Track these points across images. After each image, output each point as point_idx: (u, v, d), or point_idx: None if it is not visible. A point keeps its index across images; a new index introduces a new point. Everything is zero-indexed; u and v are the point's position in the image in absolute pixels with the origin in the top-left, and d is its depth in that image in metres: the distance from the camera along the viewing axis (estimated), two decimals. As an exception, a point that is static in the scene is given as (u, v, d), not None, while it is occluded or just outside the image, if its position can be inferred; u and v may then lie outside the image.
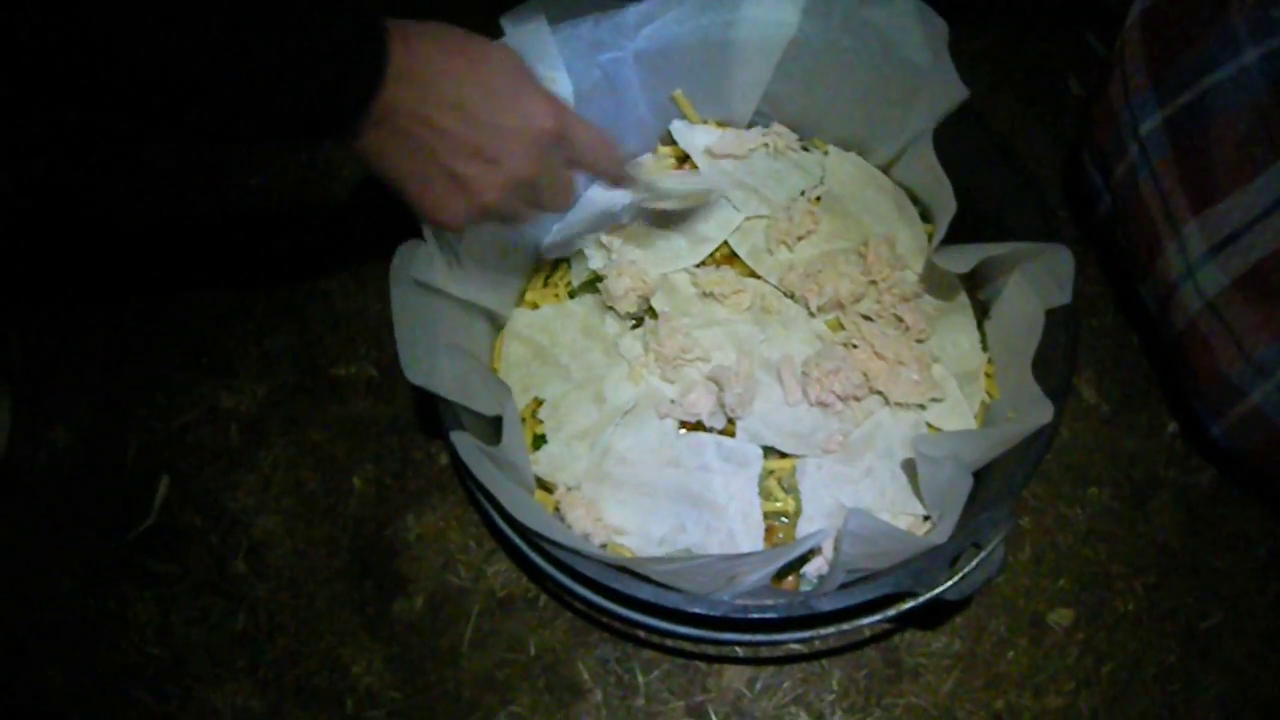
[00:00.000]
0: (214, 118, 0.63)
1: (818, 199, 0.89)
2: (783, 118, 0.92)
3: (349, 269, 0.99)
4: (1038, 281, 0.77)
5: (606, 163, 0.75)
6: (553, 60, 0.82)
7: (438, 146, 0.67)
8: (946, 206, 0.80)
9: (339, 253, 1.00)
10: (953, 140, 0.82)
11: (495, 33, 0.78)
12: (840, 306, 0.83)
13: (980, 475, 0.73)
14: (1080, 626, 0.83)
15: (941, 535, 0.69)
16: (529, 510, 0.69)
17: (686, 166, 0.91)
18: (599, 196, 0.90)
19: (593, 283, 0.86)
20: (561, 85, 0.82)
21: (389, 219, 0.74)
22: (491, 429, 0.76)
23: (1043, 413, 0.70)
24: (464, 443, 0.71)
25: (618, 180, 0.78)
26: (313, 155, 1.05)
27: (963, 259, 0.79)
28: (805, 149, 0.92)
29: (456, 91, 0.67)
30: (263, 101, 0.63)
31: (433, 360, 0.72)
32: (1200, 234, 0.80)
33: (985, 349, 0.84)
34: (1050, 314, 0.76)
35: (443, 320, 0.76)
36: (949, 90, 0.79)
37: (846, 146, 0.92)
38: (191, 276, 0.99)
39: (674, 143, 0.91)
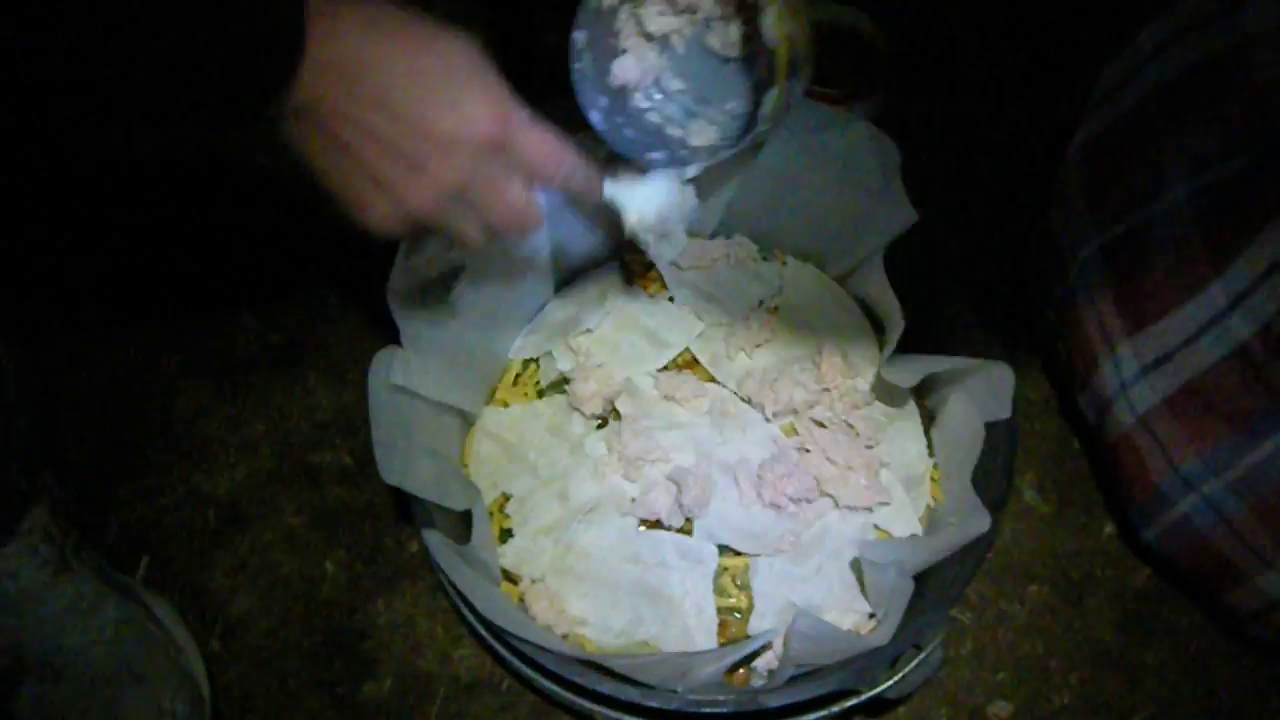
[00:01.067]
0: (110, 99, 0.57)
1: (775, 309, 0.93)
2: (745, 230, 0.96)
3: (327, 359, 1.02)
4: (979, 396, 0.80)
5: (558, 175, 0.70)
6: None
7: (360, 146, 0.62)
8: (896, 322, 0.83)
9: (317, 343, 1.03)
10: (903, 257, 0.85)
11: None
12: (794, 412, 0.86)
13: (922, 577, 0.76)
14: (1018, 719, 0.86)
15: (883, 636, 0.71)
16: (496, 606, 0.72)
17: (650, 274, 0.95)
18: (558, 312, 0.93)
19: (560, 384, 0.89)
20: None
21: (367, 314, 0.76)
22: (461, 522, 0.78)
23: (980, 523, 0.74)
24: (435, 541, 0.73)
25: (575, 194, 0.74)
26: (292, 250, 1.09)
27: (909, 373, 0.82)
28: (765, 259, 0.96)
29: (385, 86, 0.61)
30: (161, 84, 0.57)
31: (407, 461, 0.74)
32: (1133, 354, 0.84)
33: (931, 454, 0.87)
34: (991, 426, 0.79)
35: (417, 421, 0.78)
36: (899, 214, 0.83)
37: (805, 258, 0.95)
38: (173, 365, 1.02)
39: (640, 252, 0.93)
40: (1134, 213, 0.83)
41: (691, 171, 0.79)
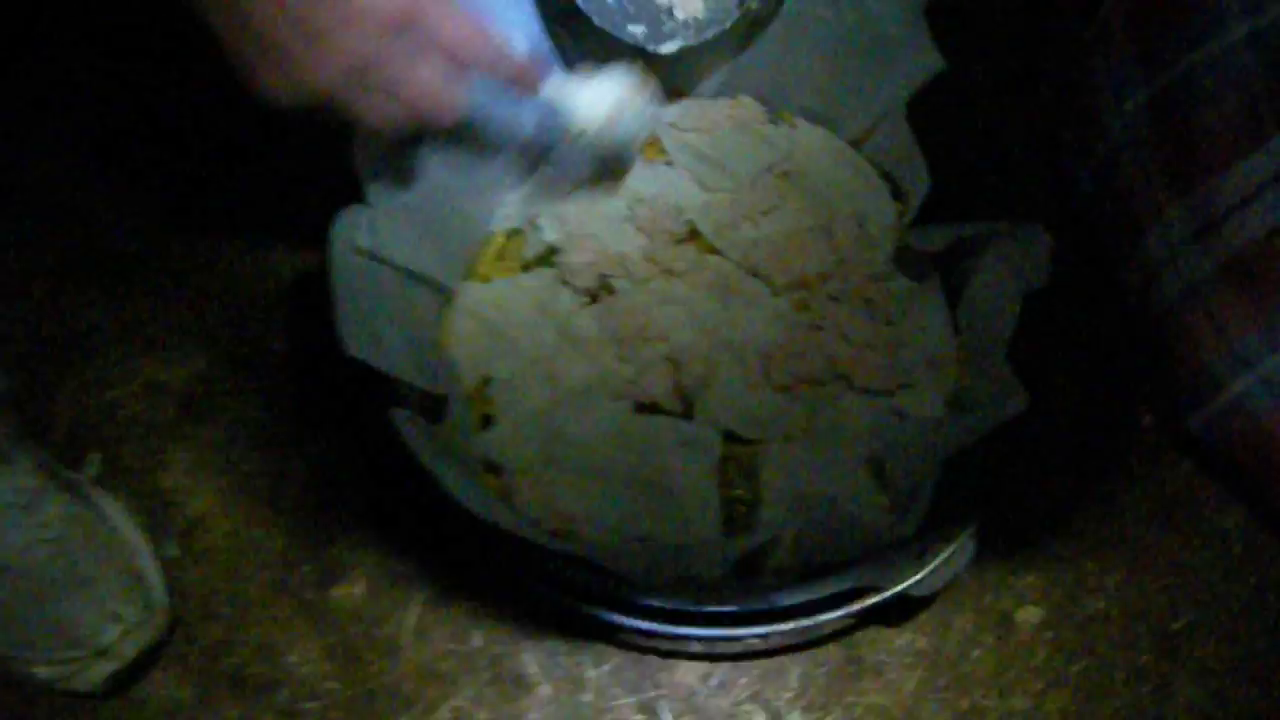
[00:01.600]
0: None
1: (784, 174, 0.86)
2: (750, 90, 0.89)
3: (290, 239, 0.96)
4: (1012, 263, 0.75)
5: (478, 55, 0.66)
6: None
7: (255, 7, 0.58)
8: (919, 184, 0.78)
9: (286, 219, 0.96)
10: (926, 114, 0.80)
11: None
12: (806, 286, 0.81)
13: (949, 465, 0.70)
14: (1049, 625, 0.82)
15: (908, 528, 0.66)
16: (474, 496, 0.66)
17: (648, 138, 0.88)
18: (545, 177, 0.86)
19: (547, 256, 0.84)
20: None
21: (340, 187, 0.71)
22: (437, 406, 0.73)
23: (1016, 401, 0.68)
24: (404, 420, 0.67)
25: (507, 79, 0.69)
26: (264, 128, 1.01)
27: (935, 237, 0.77)
28: (773, 122, 0.89)
29: None
30: None
31: (375, 333, 0.68)
32: (1186, 216, 0.78)
33: (957, 331, 0.82)
34: (1024, 298, 0.73)
35: (386, 291, 0.72)
36: (924, 61, 0.78)
37: (816, 120, 0.89)
38: (127, 245, 0.95)
39: None
40: (1188, 55, 0.77)
41: (669, 47, 0.75)
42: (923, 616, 0.81)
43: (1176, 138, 0.78)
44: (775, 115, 0.90)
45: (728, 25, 0.74)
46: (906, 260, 0.82)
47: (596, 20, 0.74)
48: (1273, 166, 0.72)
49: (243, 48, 0.60)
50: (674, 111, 0.87)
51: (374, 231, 0.71)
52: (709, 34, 0.74)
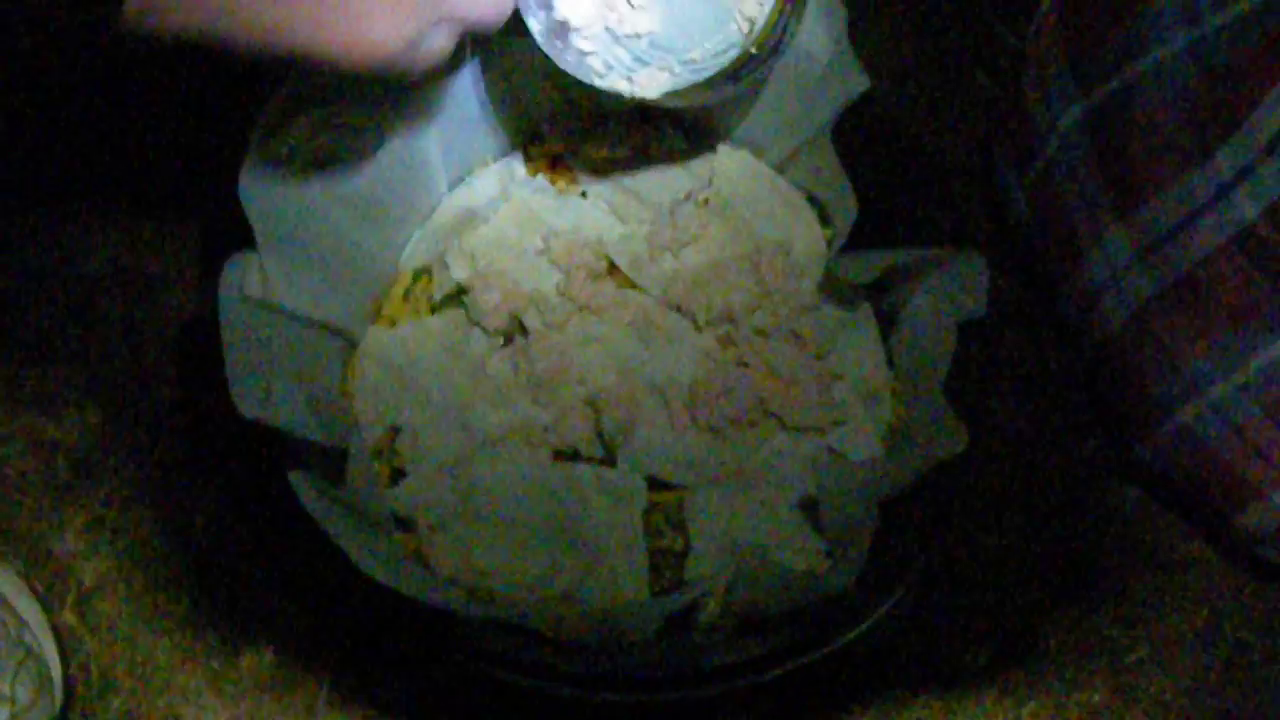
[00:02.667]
0: None
1: (705, 202, 0.84)
2: (667, 113, 0.87)
3: (186, 283, 0.93)
4: (947, 291, 0.72)
5: None
6: None
7: None
8: (847, 209, 0.75)
9: (176, 263, 0.93)
10: (853, 137, 0.77)
11: None
12: (731, 320, 0.78)
13: (887, 508, 0.68)
14: (998, 666, 0.80)
15: (844, 577, 0.63)
16: (380, 559, 0.63)
17: (559, 168, 0.86)
18: (451, 211, 0.84)
19: (457, 296, 0.81)
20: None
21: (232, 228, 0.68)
22: (341, 461, 0.70)
23: (956, 439, 0.66)
24: (303, 484, 0.64)
25: None
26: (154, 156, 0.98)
27: (865, 266, 0.74)
28: (692, 147, 0.87)
29: None
30: None
31: (270, 387, 0.65)
32: (1125, 237, 0.76)
33: (892, 364, 0.79)
34: (961, 327, 0.71)
35: (282, 342, 0.69)
36: (849, 81, 0.75)
37: (738, 144, 0.86)
38: (9, 288, 0.92)
39: (543, 142, 0.85)
40: (1124, 69, 0.75)
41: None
42: (869, 661, 0.79)
43: (1115, 155, 0.77)
44: (694, 140, 0.87)
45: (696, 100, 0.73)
46: (836, 290, 0.80)
47: (557, 63, 0.73)
48: (1217, 182, 0.71)
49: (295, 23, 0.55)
50: (588, 138, 0.85)
51: (266, 278, 0.68)
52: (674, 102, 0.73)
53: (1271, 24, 0.67)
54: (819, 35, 0.76)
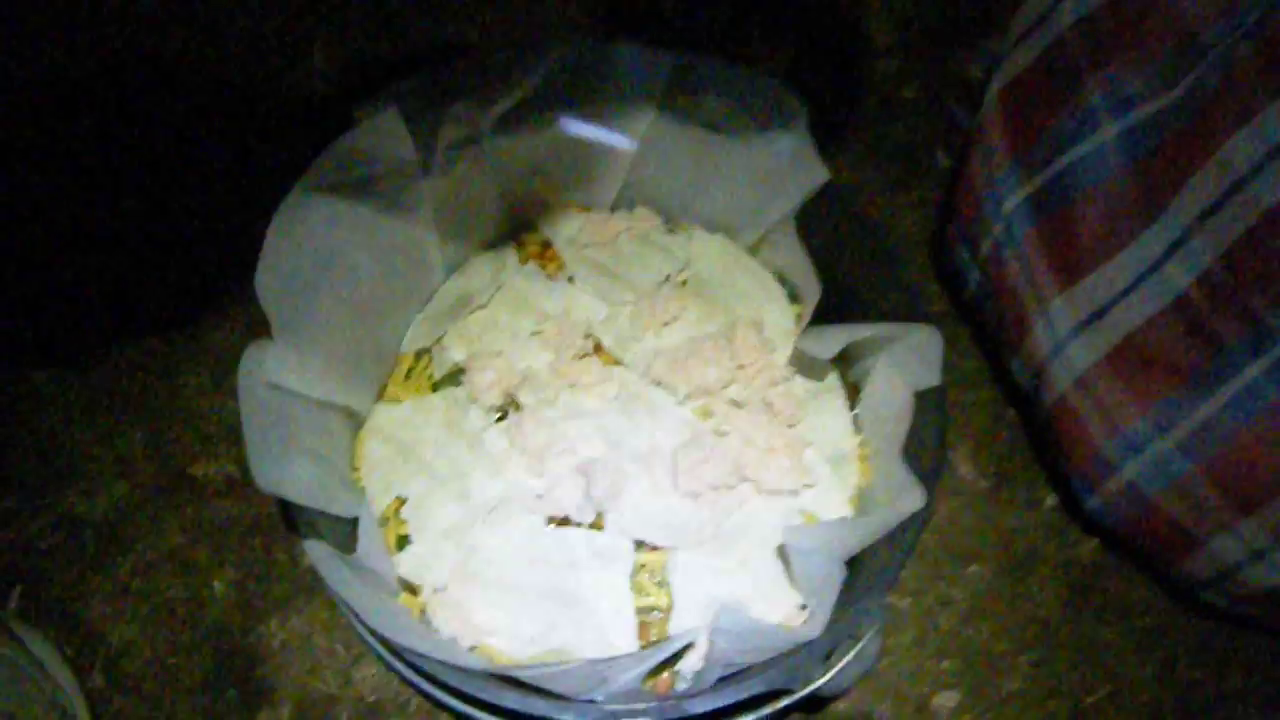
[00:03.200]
0: None
1: (683, 283, 0.88)
2: (647, 201, 0.92)
3: (208, 362, 0.97)
4: (906, 363, 0.76)
5: None
6: (408, 150, 0.79)
7: None
8: (812, 290, 0.79)
9: (193, 346, 0.98)
10: (817, 220, 0.82)
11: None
12: (708, 393, 0.82)
13: (854, 563, 0.72)
14: (966, 708, 0.83)
15: (814, 629, 0.67)
16: (390, 620, 0.67)
17: (548, 255, 0.90)
18: (449, 296, 0.88)
19: (455, 375, 0.85)
20: (417, 176, 0.80)
21: (251, 312, 0.72)
22: (352, 530, 0.73)
23: (915, 500, 0.70)
24: (319, 552, 0.68)
25: None
26: (173, 252, 1.03)
27: (829, 343, 0.78)
28: (671, 232, 0.92)
29: None
30: None
31: (285, 465, 0.69)
32: (1067, 310, 0.81)
33: (858, 431, 0.83)
34: (921, 395, 0.75)
35: (296, 422, 0.73)
36: (810, 172, 0.79)
37: (713, 229, 0.91)
38: (40, 375, 0.96)
39: (533, 230, 0.89)
40: (1060, 157, 0.81)
41: None
42: (841, 706, 0.82)
43: (1055, 236, 0.82)
44: (672, 225, 0.92)
45: None
46: (805, 363, 0.84)
47: None
48: (1149, 257, 0.76)
49: None
50: (574, 226, 0.89)
51: (282, 365, 0.72)
52: None
53: (1193, 113, 0.72)
54: (782, 131, 0.81)
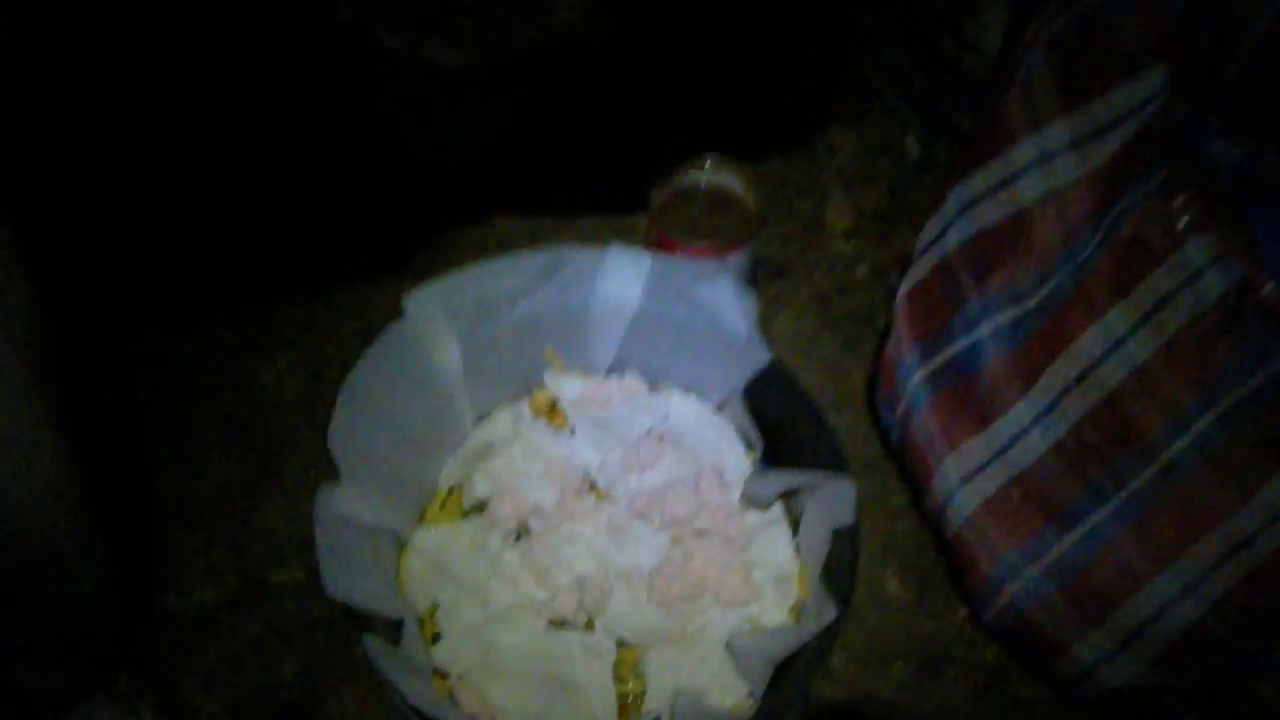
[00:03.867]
0: None
1: (661, 436, 1.04)
2: (635, 367, 1.08)
3: (280, 491, 1.16)
4: (826, 505, 0.92)
5: None
6: (445, 332, 0.98)
7: None
8: (757, 447, 0.98)
9: (271, 478, 1.16)
10: (770, 388, 1.00)
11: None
12: (678, 524, 0.98)
13: (787, 659, 0.88)
14: None
15: (749, 713, 0.85)
16: (426, 700, 0.83)
17: (555, 411, 1.07)
18: (477, 443, 1.05)
19: (480, 506, 1.01)
20: (452, 352, 0.99)
21: (312, 447, 0.91)
22: (396, 628, 0.90)
23: (830, 613, 0.86)
24: (373, 644, 0.85)
25: None
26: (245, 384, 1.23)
27: (769, 486, 0.96)
28: (654, 392, 1.08)
29: None
30: None
31: (349, 578, 0.85)
32: (956, 465, 0.98)
33: (798, 555, 0.99)
34: (838, 531, 0.91)
35: (357, 543, 0.90)
36: (758, 356, 0.97)
37: (687, 391, 1.08)
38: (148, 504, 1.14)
39: (543, 390, 1.07)
40: (949, 348, 0.99)
41: None
42: None
43: (947, 407, 0.99)
44: (655, 387, 1.08)
45: None
46: (756, 500, 1.00)
47: None
48: (1018, 428, 0.93)
49: None
50: (576, 388, 1.06)
51: (346, 500, 0.89)
52: None
53: (1051, 315, 0.90)
54: (738, 320, 0.99)
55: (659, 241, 1.14)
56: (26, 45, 1.11)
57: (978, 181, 0.96)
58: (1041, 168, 0.90)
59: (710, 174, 1.15)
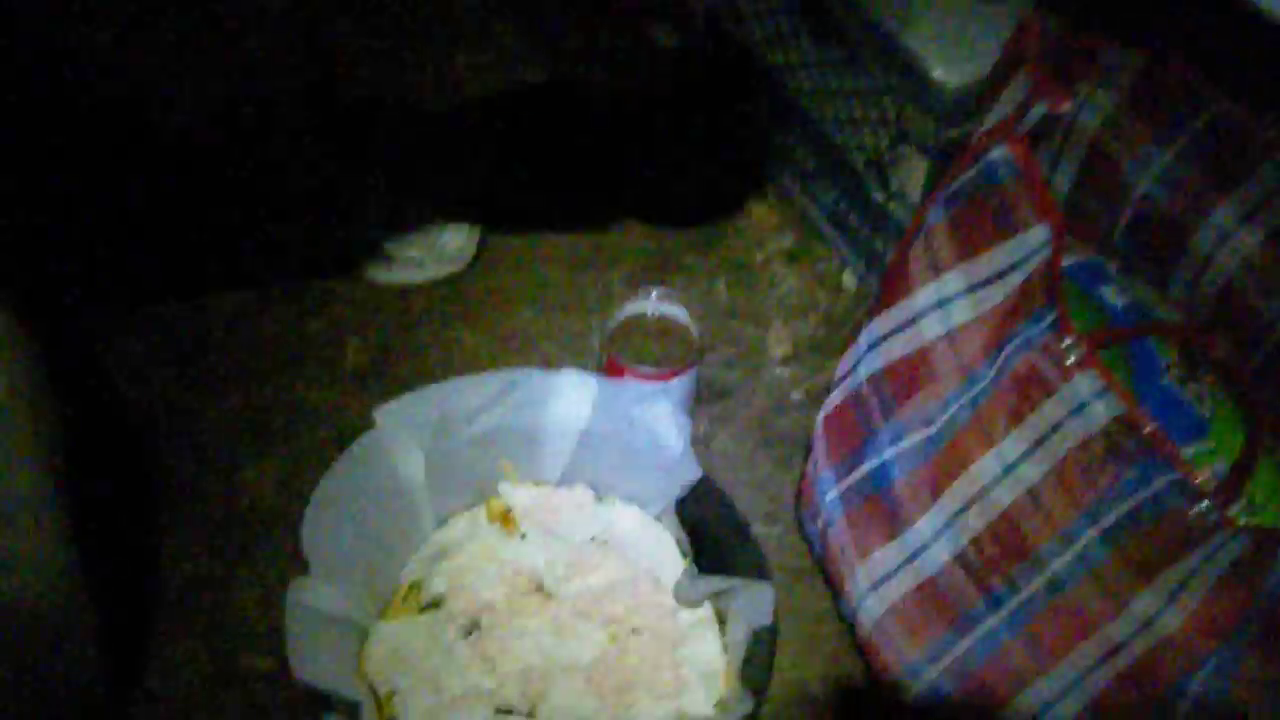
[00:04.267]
0: None
1: (605, 542, 1.13)
2: (584, 479, 1.17)
3: (253, 582, 1.23)
4: (747, 608, 1.01)
5: None
6: (411, 444, 1.08)
7: None
8: (687, 553, 1.08)
9: (243, 570, 1.24)
10: (700, 502, 1.11)
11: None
12: (616, 622, 1.06)
13: None
14: None
15: None
16: None
17: (508, 518, 1.15)
18: (435, 545, 1.14)
19: (438, 601, 1.09)
20: (417, 462, 1.09)
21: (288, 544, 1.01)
22: (356, 710, 0.97)
23: (746, 706, 0.95)
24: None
25: None
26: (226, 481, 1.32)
27: (697, 590, 1.06)
28: (600, 502, 1.17)
29: None
30: None
31: (315, 663, 0.94)
32: (865, 575, 1.08)
33: (725, 653, 1.07)
34: (757, 631, 1.00)
35: (323, 632, 0.97)
36: (689, 472, 1.08)
37: (629, 502, 1.16)
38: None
39: (500, 498, 1.16)
40: (858, 469, 1.09)
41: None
42: None
43: (857, 522, 1.09)
44: (600, 499, 1.18)
45: None
46: (687, 601, 1.09)
47: None
48: (920, 541, 1.02)
49: None
50: (529, 497, 1.15)
51: (315, 592, 0.97)
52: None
53: (950, 441, 1.00)
54: (674, 438, 1.10)
55: (610, 366, 1.24)
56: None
57: (885, 321, 1.07)
58: (940, 310, 1.00)
59: (656, 304, 1.26)
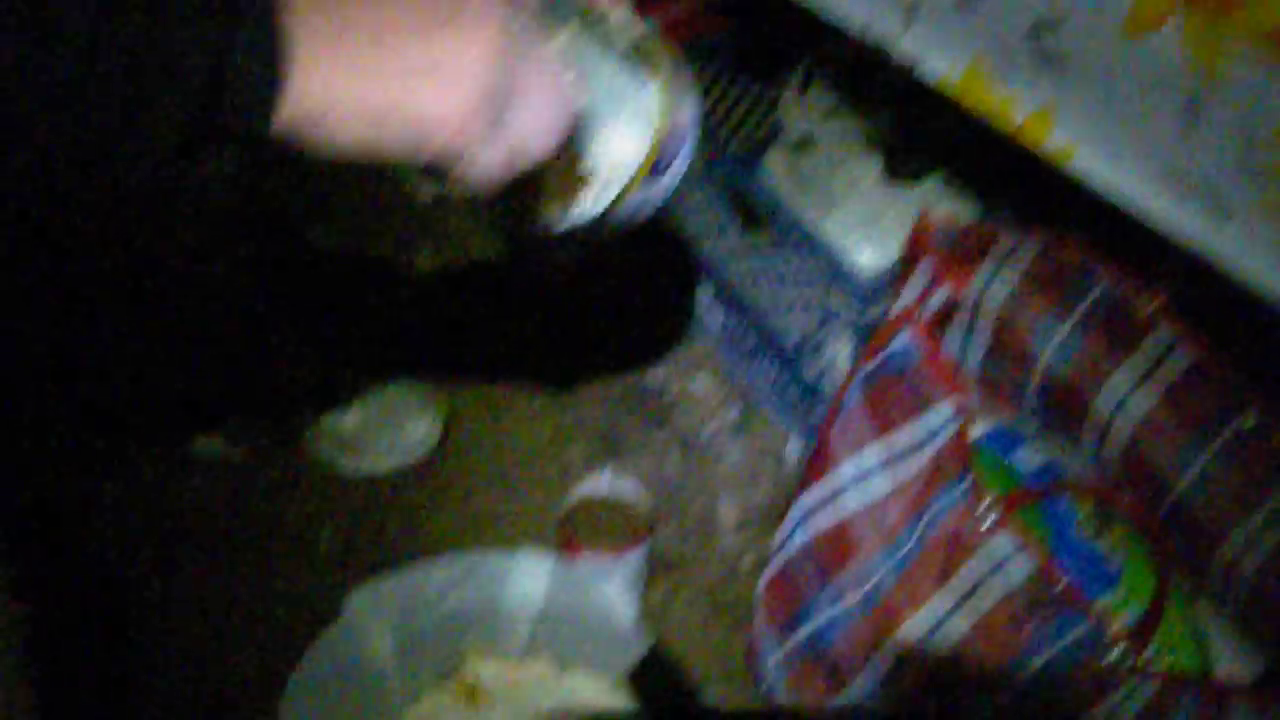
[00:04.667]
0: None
1: (566, 712, 1.21)
2: (546, 653, 1.25)
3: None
4: None
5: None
6: (381, 626, 1.16)
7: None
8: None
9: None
10: (648, 670, 1.19)
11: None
12: None
13: None
14: None
15: None
16: None
17: (477, 690, 1.23)
18: (410, 712, 1.23)
19: None
20: (386, 642, 1.17)
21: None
22: None
23: None
24: None
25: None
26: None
27: None
28: (562, 673, 1.25)
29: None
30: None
31: None
32: None
33: None
34: None
35: None
36: (640, 642, 1.18)
37: (590, 672, 1.24)
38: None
39: (471, 670, 1.24)
40: (795, 634, 1.18)
41: None
42: None
43: (796, 683, 1.18)
44: (564, 668, 1.25)
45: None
46: None
47: None
48: (866, 692, 1.12)
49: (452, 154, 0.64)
50: (494, 671, 1.24)
51: None
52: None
53: (876, 605, 1.08)
54: (625, 613, 1.19)
55: (566, 544, 1.33)
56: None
57: (811, 495, 1.17)
58: (860, 484, 1.10)
59: (609, 485, 1.36)
